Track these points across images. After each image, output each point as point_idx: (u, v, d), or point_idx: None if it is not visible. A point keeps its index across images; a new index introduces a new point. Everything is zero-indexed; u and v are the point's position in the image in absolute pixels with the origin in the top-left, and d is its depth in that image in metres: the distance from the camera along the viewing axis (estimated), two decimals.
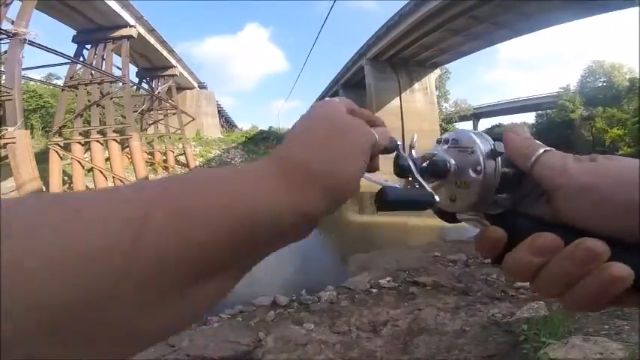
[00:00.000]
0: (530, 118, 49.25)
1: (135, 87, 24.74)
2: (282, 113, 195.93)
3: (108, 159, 17.14)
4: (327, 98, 0.35)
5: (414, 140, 0.36)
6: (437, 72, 32.93)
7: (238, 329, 3.34)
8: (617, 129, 19.11)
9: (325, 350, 2.75)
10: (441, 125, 37.74)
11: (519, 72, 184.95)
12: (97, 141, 16.69)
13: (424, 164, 0.31)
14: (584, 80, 24.91)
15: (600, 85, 22.65)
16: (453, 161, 0.29)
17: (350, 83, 34.87)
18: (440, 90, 43.07)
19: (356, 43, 51.74)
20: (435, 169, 0.30)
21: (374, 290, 4.52)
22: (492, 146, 0.28)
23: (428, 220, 11.10)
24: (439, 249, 6.40)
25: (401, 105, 29.10)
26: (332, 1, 25.43)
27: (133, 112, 20.95)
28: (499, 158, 0.27)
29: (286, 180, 0.25)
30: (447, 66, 39.01)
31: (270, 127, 43.33)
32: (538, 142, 0.28)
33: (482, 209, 0.29)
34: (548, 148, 0.27)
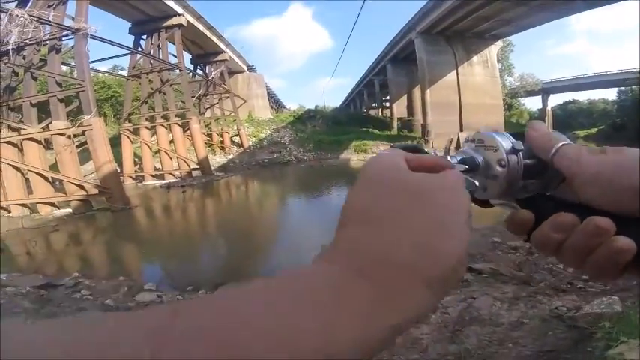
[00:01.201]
0: (611, 94, 43.08)
1: (190, 73, 26.04)
2: (328, 91, 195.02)
3: (172, 141, 18.62)
4: (381, 151, 0.31)
5: (450, 144, 0.38)
6: (499, 44, 29.62)
7: None
8: None
9: None
10: (504, 100, 34.52)
11: (598, 45, 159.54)
12: (162, 125, 18.21)
13: (458, 161, 0.35)
14: None
15: None
16: (481, 158, 0.35)
17: (398, 58, 33.04)
18: (503, 63, 39.01)
19: (405, 15, 48.53)
20: (467, 165, 0.35)
21: None
22: (512, 144, 0.33)
23: None
24: (499, 234, 5.97)
25: (458, 79, 26.94)
26: None
27: (191, 97, 22.30)
28: (520, 153, 0.32)
29: (373, 291, 0.19)
30: (511, 38, 35.01)
31: (316, 106, 43.44)
32: (558, 135, 0.32)
33: (511, 195, 0.34)
34: (567, 142, 0.31)
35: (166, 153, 18.15)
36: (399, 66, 33.94)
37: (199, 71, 27.84)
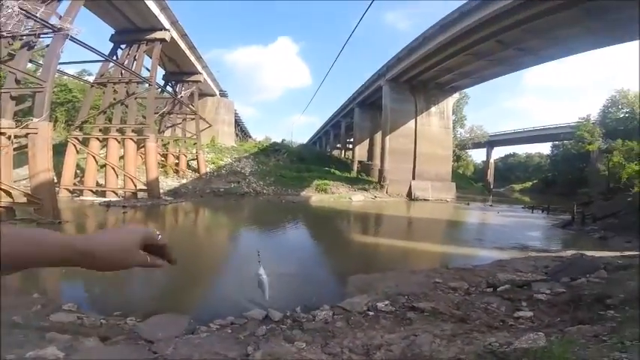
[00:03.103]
0: (546, 148, 48.55)
1: (159, 89, 25.44)
2: (298, 127, 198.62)
3: (122, 157, 17.53)
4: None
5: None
6: (455, 96, 32.87)
7: (226, 341, 3.26)
8: (635, 164, 18.55)
9: None
10: (454, 151, 37.37)
11: (545, 100, 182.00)
12: (115, 138, 17.16)
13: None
14: (606, 110, 24.46)
15: (622, 115, 22.05)
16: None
17: (365, 102, 35.27)
18: (457, 115, 42.89)
19: (378, 62, 52.29)
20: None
21: (371, 313, 4.40)
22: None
23: (433, 246, 10.95)
24: (441, 275, 6.25)
25: (416, 128, 29.11)
26: (361, 17, 26.01)
27: (155, 113, 21.54)
28: None
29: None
30: (469, 91, 38.82)
31: (283, 140, 43.95)
32: None
33: None
34: None
35: (113, 168, 16.95)
36: (366, 110, 36.08)
37: (169, 88, 27.31)
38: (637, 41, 17.13)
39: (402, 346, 3.28)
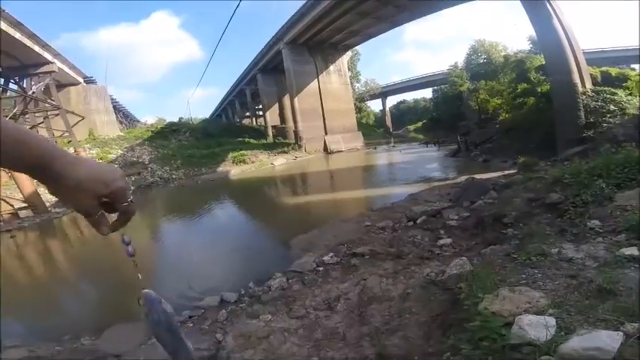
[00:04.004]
0: (428, 93, 55.19)
1: (0, 89, 20.65)
2: (195, 102, 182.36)
3: None
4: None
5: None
6: (349, 54, 34.56)
7: (192, 335, 3.15)
8: (497, 99, 22.57)
9: (290, 337, 2.78)
10: (355, 104, 39.73)
11: (423, 52, 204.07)
12: None
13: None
14: (469, 58, 28.56)
15: (482, 61, 26.19)
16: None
17: (268, 67, 34.30)
18: (352, 71, 44.87)
19: (274, 26, 50.22)
20: None
21: (320, 269, 4.62)
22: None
23: (355, 193, 11.85)
24: (369, 218, 6.68)
25: (319, 87, 30.04)
26: None
27: (4, 117, 17.15)
28: None
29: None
30: (359, 48, 41.03)
31: (181, 119, 40.09)
32: None
33: None
34: None
35: None
36: (269, 75, 35.08)
37: (13, 85, 21.90)
38: None
39: (356, 292, 3.57)
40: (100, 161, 0.58)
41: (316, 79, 30.06)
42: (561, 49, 12.13)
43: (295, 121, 29.41)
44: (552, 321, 1.49)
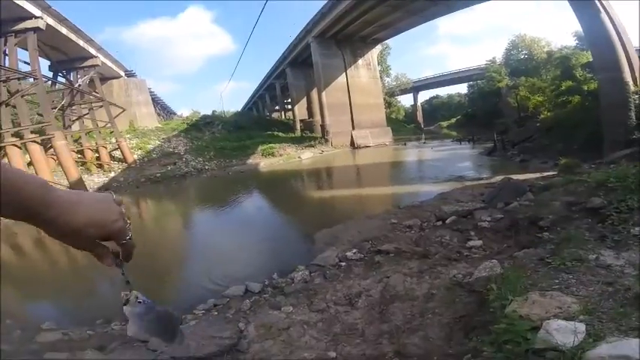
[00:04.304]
0: (463, 88, 53.06)
1: (50, 82, 21.98)
2: (227, 95, 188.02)
3: (30, 163, 15.09)
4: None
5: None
6: (378, 48, 33.80)
7: (216, 323, 3.28)
8: (538, 96, 21.30)
9: (309, 330, 2.82)
10: (384, 99, 39.04)
11: (458, 46, 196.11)
12: (14, 145, 14.55)
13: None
14: (509, 53, 27.17)
15: (522, 57, 24.79)
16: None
17: (297, 61, 34.40)
18: (382, 65, 44.05)
19: (303, 19, 50.55)
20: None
21: (343, 264, 4.61)
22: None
23: (382, 189, 11.69)
24: (395, 216, 6.57)
25: (347, 81, 29.66)
26: None
27: (52, 109, 18.57)
28: None
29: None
30: (390, 42, 40.19)
31: (214, 112, 41.33)
32: None
33: None
34: None
35: None
36: (298, 69, 35.28)
37: (61, 79, 23.42)
38: None
39: (378, 289, 3.52)
40: (98, 194, 0.56)
41: (344, 73, 29.66)
42: (610, 45, 11.18)
43: (322, 115, 29.35)
44: (582, 327, 1.42)
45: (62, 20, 18.76)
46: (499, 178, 9.38)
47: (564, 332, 1.39)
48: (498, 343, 1.56)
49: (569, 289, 1.97)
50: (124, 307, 0.59)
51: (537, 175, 9.33)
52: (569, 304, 1.71)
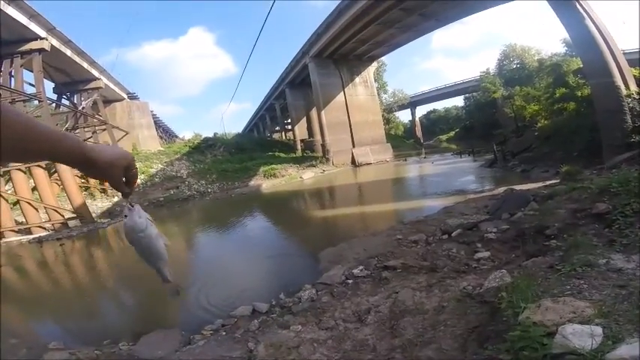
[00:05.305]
0: (460, 101, 53.80)
1: (54, 104, 22.46)
2: (228, 117, 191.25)
3: (34, 188, 15.22)
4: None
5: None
6: (374, 65, 34.53)
7: (225, 343, 3.23)
8: (534, 105, 21.56)
9: (319, 348, 2.77)
10: (383, 115, 39.55)
11: (452, 59, 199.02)
12: (19, 169, 14.73)
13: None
14: (501, 63, 27.69)
15: (514, 66, 25.24)
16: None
17: (295, 82, 35.07)
18: (378, 82, 44.88)
19: (300, 40, 51.89)
20: None
21: (350, 281, 4.57)
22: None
23: (385, 206, 11.67)
24: (400, 232, 6.54)
25: (345, 99, 30.14)
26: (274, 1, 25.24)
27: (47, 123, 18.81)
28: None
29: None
30: (385, 59, 41.15)
31: (215, 134, 41.82)
32: None
33: None
34: None
35: (29, 203, 14.71)
36: (297, 90, 35.96)
37: (65, 101, 23.92)
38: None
39: (388, 305, 3.48)
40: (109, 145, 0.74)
41: (342, 92, 30.21)
42: (598, 50, 11.40)
43: (323, 134, 29.65)
44: (599, 330, 1.41)
45: (66, 42, 19.22)
46: (502, 189, 9.39)
47: (581, 336, 1.38)
48: (515, 350, 1.54)
49: (581, 294, 1.95)
50: (124, 210, 0.89)
51: (540, 184, 9.29)
52: (583, 308, 1.70)
